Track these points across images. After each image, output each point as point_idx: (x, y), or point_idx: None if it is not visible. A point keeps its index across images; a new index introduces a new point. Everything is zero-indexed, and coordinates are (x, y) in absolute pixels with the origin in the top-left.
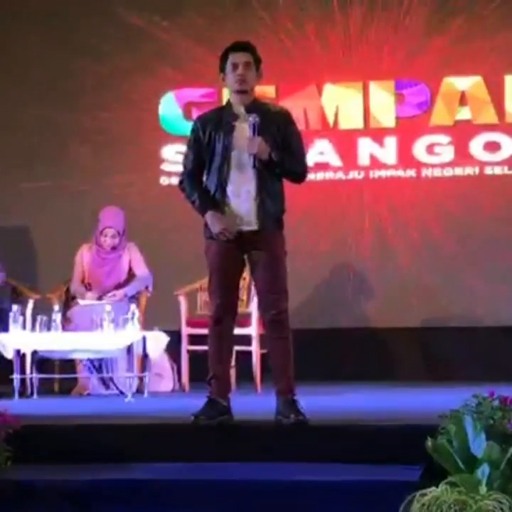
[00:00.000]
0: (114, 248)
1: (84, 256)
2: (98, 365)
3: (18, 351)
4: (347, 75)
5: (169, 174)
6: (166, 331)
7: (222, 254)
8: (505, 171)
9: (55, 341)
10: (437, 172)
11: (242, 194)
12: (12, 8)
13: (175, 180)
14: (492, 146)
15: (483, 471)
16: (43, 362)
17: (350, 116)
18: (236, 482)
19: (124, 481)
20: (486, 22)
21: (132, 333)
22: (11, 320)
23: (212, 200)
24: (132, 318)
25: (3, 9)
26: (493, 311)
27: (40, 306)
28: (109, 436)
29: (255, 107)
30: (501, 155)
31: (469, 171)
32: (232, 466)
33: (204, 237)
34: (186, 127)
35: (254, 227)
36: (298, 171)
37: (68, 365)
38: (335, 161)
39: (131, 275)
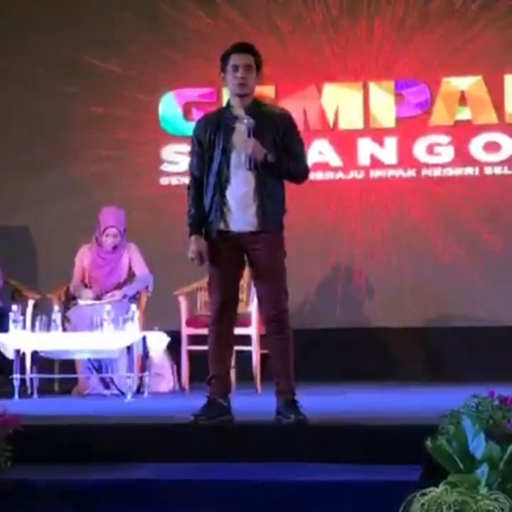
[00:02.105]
0: (114, 248)
1: (84, 257)
2: (98, 365)
3: (18, 351)
4: (347, 75)
5: (169, 174)
6: (166, 331)
7: (222, 255)
8: (505, 171)
9: (55, 341)
10: (437, 172)
11: (241, 195)
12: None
13: (175, 181)
14: (492, 146)
15: (483, 471)
16: (43, 362)
17: (350, 117)
18: (236, 482)
19: (124, 481)
20: (486, 22)
21: (132, 333)
22: (11, 320)
23: (204, 221)
24: (132, 318)
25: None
26: (493, 311)
27: (40, 306)
28: (109, 436)
29: (255, 108)
30: (501, 155)
31: (469, 171)
32: (232, 466)
33: (204, 237)
34: (186, 127)
35: (254, 227)
36: (297, 173)
37: (68, 365)
38: (335, 161)
39: (131, 275)
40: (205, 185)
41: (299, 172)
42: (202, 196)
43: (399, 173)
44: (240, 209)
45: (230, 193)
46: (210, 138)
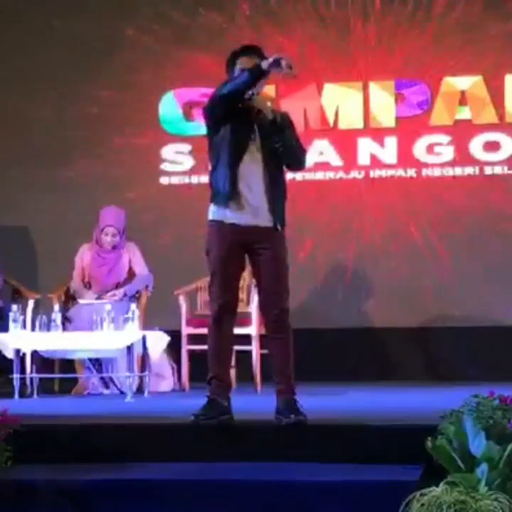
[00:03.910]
0: (114, 247)
1: (84, 256)
2: (98, 365)
3: (18, 351)
4: (347, 75)
5: (169, 174)
6: (166, 331)
7: (224, 254)
8: (505, 170)
9: (55, 341)
10: (437, 172)
11: (253, 189)
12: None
13: (175, 180)
14: (492, 146)
15: (483, 470)
16: (43, 362)
17: (350, 116)
18: (236, 482)
19: (124, 481)
20: (486, 22)
21: (132, 332)
22: (11, 320)
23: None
24: (132, 317)
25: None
26: (493, 311)
27: (40, 306)
28: (109, 436)
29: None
30: (501, 155)
31: (469, 170)
32: (232, 466)
33: (206, 237)
34: (186, 127)
35: (268, 223)
36: (300, 148)
37: (68, 365)
38: (335, 160)
39: (131, 274)
40: (215, 176)
41: (302, 148)
42: None
43: (399, 172)
44: (253, 203)
45: (242, 187)
46: (225, 125)
